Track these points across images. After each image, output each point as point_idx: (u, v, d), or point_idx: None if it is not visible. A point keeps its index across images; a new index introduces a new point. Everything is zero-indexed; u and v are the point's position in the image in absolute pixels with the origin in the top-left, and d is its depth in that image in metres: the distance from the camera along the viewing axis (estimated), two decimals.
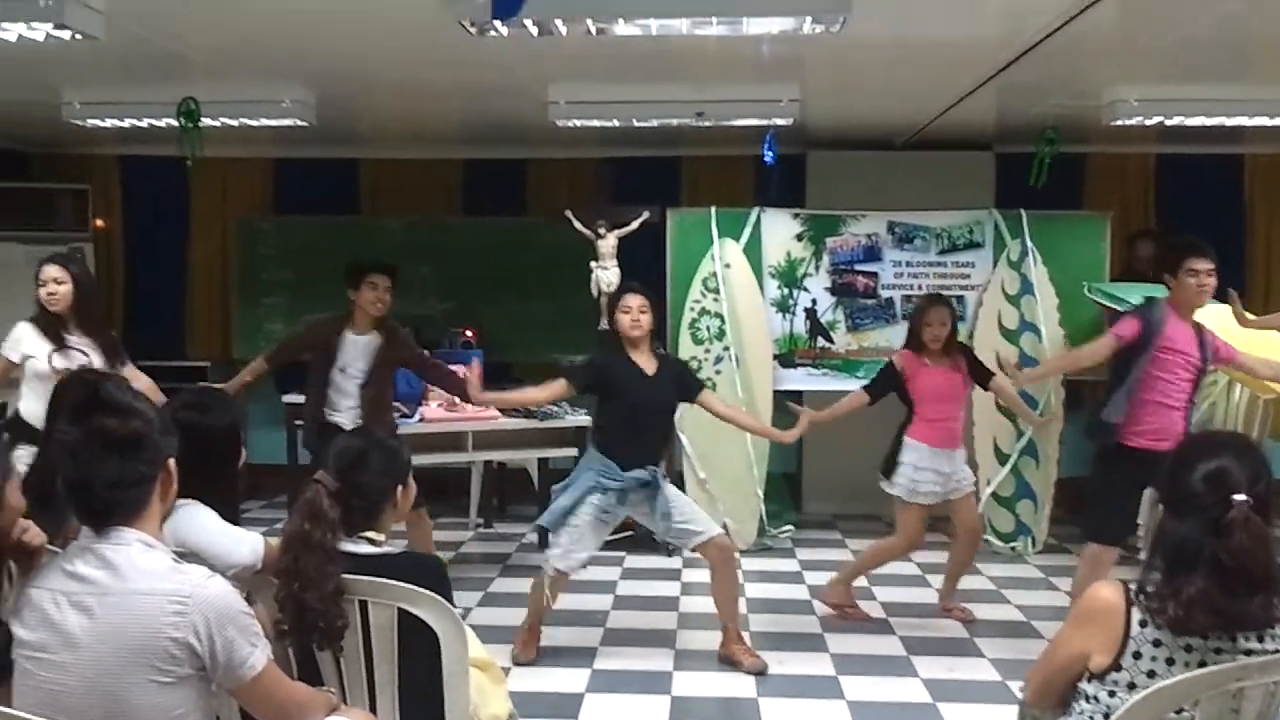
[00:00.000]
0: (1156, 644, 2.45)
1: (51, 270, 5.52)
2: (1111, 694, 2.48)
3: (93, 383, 2.41)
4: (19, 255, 8.41)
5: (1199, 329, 5.28)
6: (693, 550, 5.48)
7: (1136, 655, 2.46)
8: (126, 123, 7.24)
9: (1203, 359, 5.24)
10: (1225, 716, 2.43)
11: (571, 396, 5.68)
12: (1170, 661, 2.45)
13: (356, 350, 6.10)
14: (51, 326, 5.50)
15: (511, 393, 6.06)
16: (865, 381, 6.35)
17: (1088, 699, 2.54)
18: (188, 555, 2.82)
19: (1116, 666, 2.48)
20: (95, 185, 9.32)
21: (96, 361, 5.46)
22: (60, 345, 5.45)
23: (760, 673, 5.26)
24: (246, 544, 3.17)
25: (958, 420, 6.01)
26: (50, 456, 2.33)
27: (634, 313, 5.34)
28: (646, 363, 5.38)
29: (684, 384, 5.53)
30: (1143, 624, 2.46)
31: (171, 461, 2.37)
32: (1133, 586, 2.51)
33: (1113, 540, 5.22)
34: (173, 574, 2.25)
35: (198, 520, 3.12)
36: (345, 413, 6.07)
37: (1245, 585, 2.40)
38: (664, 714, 4.83)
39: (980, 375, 6.06)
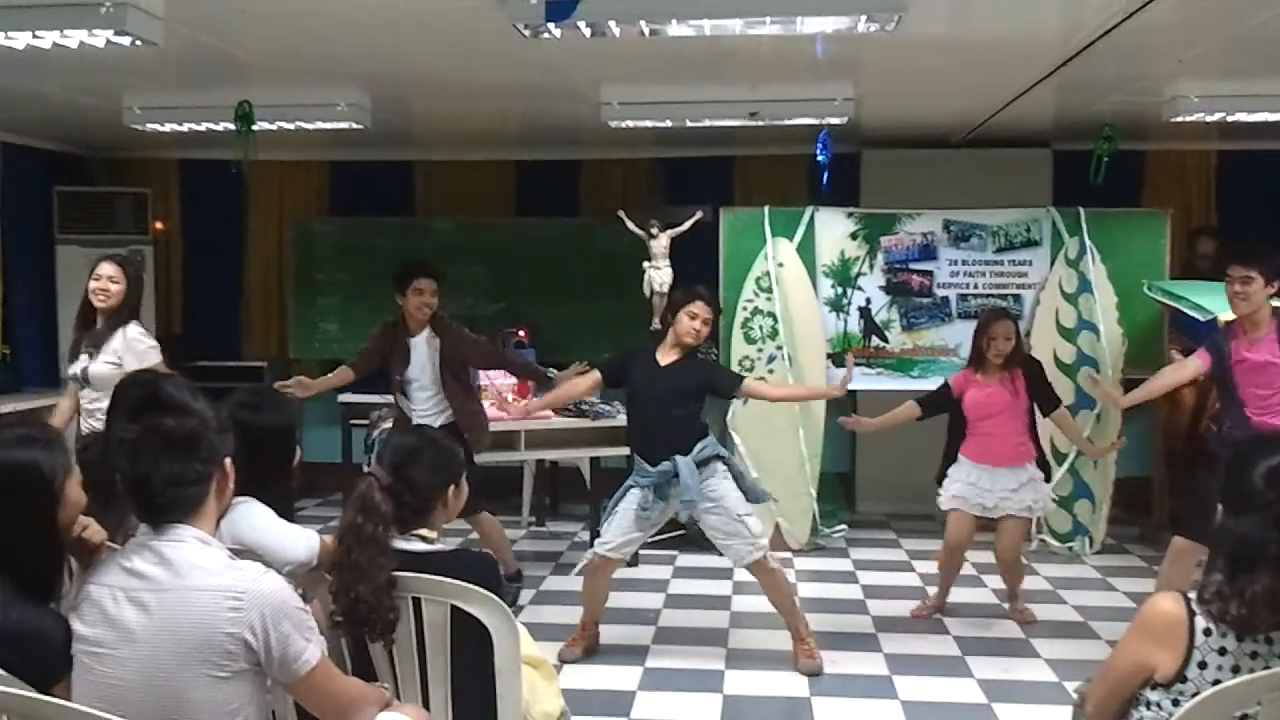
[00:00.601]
0: (1222, 652, 2.42)
1: (108, 269, 5.50)
2: (1176, 703, 2.44)
3: (152, 382, 2.45)
4: (80, 259, 8.53)
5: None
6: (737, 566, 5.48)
7: (1202, 665, 2.43)
8: (185, 127, 7.34)
9: None
10: None
11: (604, 388, 5.74)
12: (1236, 669, 2.41)
13: (418, 354, 6.10)
14: (78, 335, 5.56)
15: (556, 392, 6.00)
16: (920, 382, 6.34)
17: (1149, 706, 2.51)
18: (243, 552, 2.85)
19: (1182, 678, 2.45)
20: (155, 189, 9.45)
21: (94, 359, 5.48)
22: (73, 359, 5.55)
23: (814, 674, 5.23)
24: (302, 541, 3.21)
25: (1003, 437, 5.89)
26: (110, 454, 2.37)
27: (698, 322, 5.32)
28: (665, 355, 5.37)
29: (715, 384, 5.46)
30: (1207, 633, 2.43)
31: (228, 461, 2.41)
32: (1192, 595, 2.48)
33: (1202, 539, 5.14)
34: (228, 570, 2.28)
35: (253, 518, 3.15)
36: (426, 418, 6.01)
37: None
38: (716, 713, 4.83)
39: (1044, 398, 5.97)
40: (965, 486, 5.88)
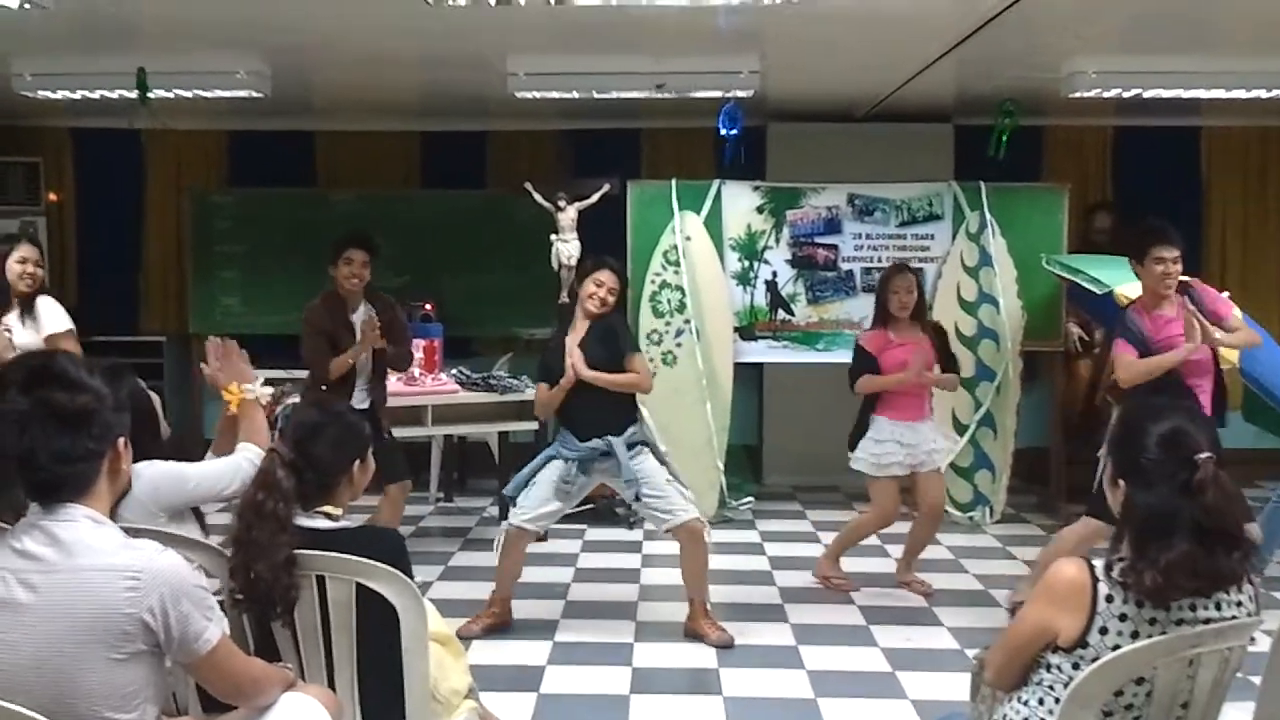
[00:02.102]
0: (1123, 618, 2.45)
1: (31, 252, 5.61)
2: (1076, 666, 2.49)
3: (45, 357, 2.38)
4: None
5: (1185, 291, 5.25)
6: (665, 532, 5.44)
7: (1103, 630, 2.46)
8: (78, 94, 7.14)
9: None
10: (1181, 683, 2.45)
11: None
12: (1135, 635, 2.45)
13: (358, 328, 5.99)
14: None
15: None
16: (826, 355, 6.35)
17: (1049, 669, 2.55)
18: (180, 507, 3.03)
19: (1083, 642, 2.48)
20: (47, 158, 9.21)
21: (18, 333, 5.49)
22: None
23: (727, 646, 5.24)
24: (226, 463, 3.35)
25: (923, 394, 5.98)
26: None
27: (604, 290, 5.26)
28: (575, 334, 5.30)
29: (609, 344, 5.29)
30: (1109, 599, 2.46)
31: (122, 441, 2.33)
32: (1097, 563, 2.51)
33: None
34: (124, 550, 2.22)
35: (164, 467, 3.23)
36: (359, 393, 5.90)
37: (1223, 543, 2.41)
38: (625, 685, 4.83)
39: (946, 362, 6.02)
40: (898, 449, 5.87)
